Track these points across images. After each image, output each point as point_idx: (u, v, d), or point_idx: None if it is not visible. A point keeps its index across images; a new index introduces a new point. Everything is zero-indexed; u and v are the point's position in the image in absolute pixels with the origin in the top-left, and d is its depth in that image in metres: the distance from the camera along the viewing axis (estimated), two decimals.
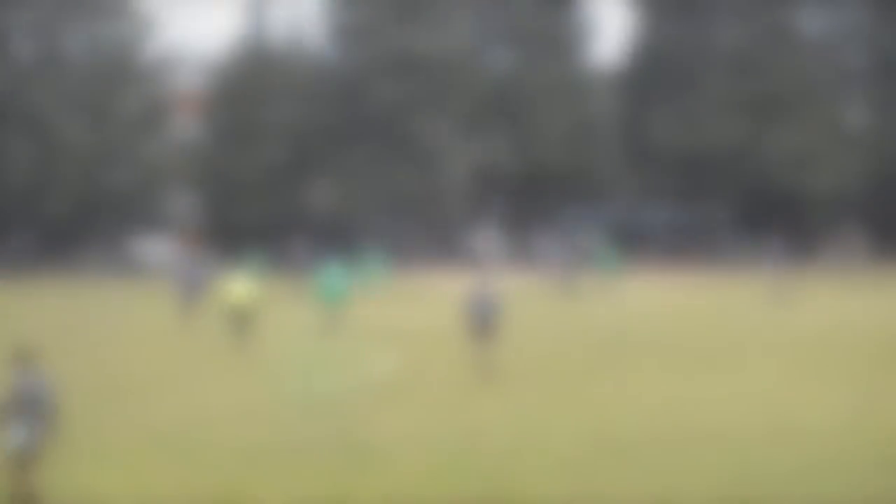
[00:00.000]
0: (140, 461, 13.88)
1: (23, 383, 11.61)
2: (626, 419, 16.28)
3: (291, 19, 60.62)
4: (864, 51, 64.76)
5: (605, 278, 39.02)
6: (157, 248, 61.00)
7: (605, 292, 38.56)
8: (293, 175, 58.88)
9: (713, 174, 62.17)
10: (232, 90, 58.50)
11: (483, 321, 20.09)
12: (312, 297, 28.87)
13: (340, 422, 16.31)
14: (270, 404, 18.10)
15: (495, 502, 11.74)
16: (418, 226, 61.74)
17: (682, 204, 59.86)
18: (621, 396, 18.48)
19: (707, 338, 26.92)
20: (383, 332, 28.04)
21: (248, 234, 59.17)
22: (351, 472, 13.14)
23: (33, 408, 11.51)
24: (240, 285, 25.45)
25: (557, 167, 59.76)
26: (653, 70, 63.43)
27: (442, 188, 59.02)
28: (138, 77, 58.16)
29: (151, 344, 26.26)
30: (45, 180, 54.63)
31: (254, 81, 58.41)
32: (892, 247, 62.05)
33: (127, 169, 57.58)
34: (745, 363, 22.57)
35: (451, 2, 59.88)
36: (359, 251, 47.61)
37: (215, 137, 59.56)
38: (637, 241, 62.87)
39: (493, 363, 20.27)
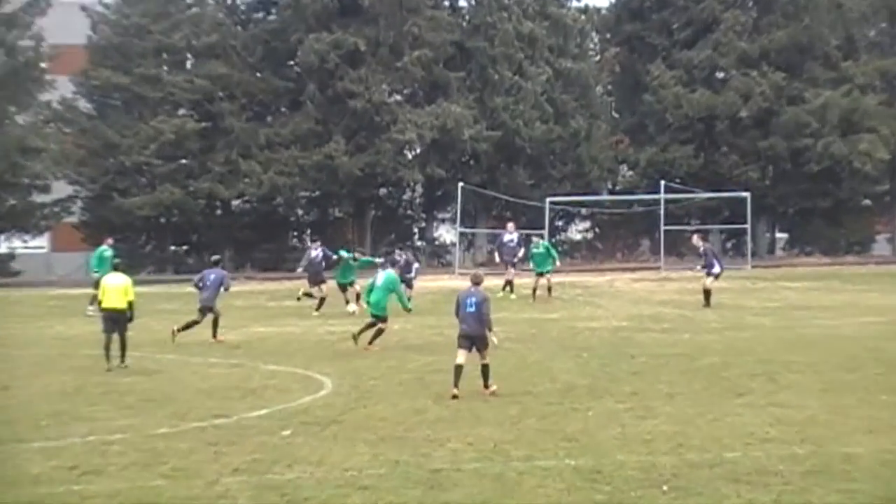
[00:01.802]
0: None
1: None
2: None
3: None
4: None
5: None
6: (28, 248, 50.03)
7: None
8: (202, 151, 47.76)
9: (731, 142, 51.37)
10: (122, 44, 47.43)
11: (471, 323, 17.73)
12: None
13: None
14: None
15: None
16: (363, 210, 50.90)
17: (694, 182, 48.87)
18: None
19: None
20: None
21: (143, 227, 48.41)
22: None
23: None
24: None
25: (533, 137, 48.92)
26: (653, 17, 52.84)
27: (391, 164, 47.96)
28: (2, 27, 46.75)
29: None
30: None
31: (150, 33, 47.34)
32: None
33: None
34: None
35: None
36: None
37: (100, 105, 48.32)
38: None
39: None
